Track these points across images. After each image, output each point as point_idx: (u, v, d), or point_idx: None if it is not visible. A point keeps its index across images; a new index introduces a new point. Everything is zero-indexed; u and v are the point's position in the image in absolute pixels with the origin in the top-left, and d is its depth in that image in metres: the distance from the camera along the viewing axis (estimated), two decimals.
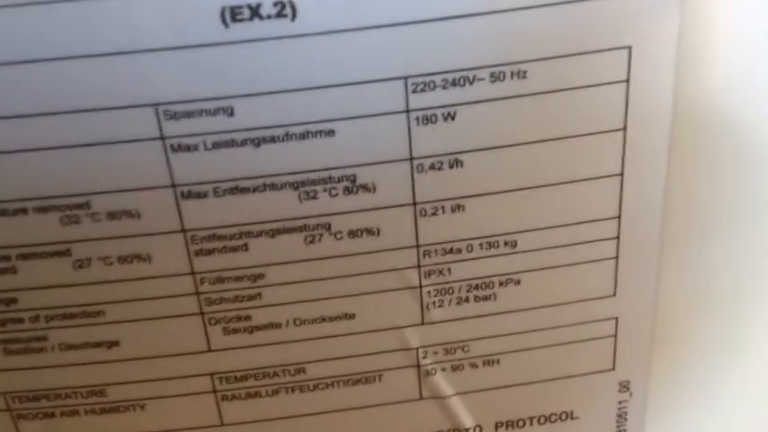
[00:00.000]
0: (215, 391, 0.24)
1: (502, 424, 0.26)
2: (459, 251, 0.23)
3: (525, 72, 0.20)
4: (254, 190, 0.21)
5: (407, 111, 0.20)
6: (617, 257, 0.23)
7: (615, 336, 0.24)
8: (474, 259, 0.23)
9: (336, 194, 0.21)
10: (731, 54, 0.21)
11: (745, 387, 0.27)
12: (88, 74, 0.19)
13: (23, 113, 0.19)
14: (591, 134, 0.21)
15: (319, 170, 0.21)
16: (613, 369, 0.25)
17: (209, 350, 0.23)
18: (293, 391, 0.24)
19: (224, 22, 0.18)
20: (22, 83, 0.19)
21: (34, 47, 0.18)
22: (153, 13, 0.18)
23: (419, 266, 0.23)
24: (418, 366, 0.24)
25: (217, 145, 0.20)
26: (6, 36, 0.18)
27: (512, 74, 0.20)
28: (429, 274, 0.23)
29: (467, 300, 0.23)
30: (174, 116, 0.19)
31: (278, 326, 0.23)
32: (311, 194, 0.21)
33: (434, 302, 0.23)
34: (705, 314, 0.26)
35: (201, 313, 0.22)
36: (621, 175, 0.22)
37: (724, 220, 0.24)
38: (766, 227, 0.24)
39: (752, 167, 0.23)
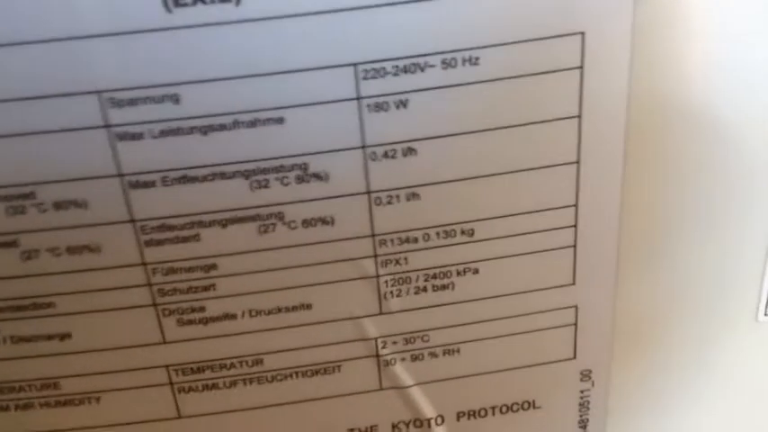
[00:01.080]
0: (171, 383, 0.23)
1: (463, 414, 0.26)
2: (416, 240, 0.22)
3: (477, 58, 0.20)
4: (204, 179, 0.20)
5: (359, 98, 0.20)
6: (575, 246, 0.23)
7: (575, 324, 0.24)
8: (431, 248, 0.22)
9: (288, 183, 0.21)
10: (703, 46, 0.21)
11: (709, 377, 0.27)
12: (28, 61, 0.18)
13: None
14: (545, 121, 0.21)
15: (270, 159, 0.20)
16: (574, 358, 0.25)
17: (164, 342, 0.23)
18: (251, 382, 0.24)
19: (166, 6, 0.18)
20: None
21: None
22: None
23: (375, 256, 0.22)
24: (377, 356, 0.24)
25: (164, 133, 0.20)
26: None
27: (464, 60, 0.20)
28: (386, 264, 0.23)
29: (425, 289, 0.23)
30: (119, 104, 0.19)
31: (233, 317, 0.23)
32: (263, 183, 0.21)
33: (392, 292, 0.23)
34: (669, 305, 0.25)
35: (155, 304, 0.22)
36: (578, 162, 0.22)
37: (686, 212, 0.24)
38: (730, 220, 0.24)
39: (718, 162, 0.23)
